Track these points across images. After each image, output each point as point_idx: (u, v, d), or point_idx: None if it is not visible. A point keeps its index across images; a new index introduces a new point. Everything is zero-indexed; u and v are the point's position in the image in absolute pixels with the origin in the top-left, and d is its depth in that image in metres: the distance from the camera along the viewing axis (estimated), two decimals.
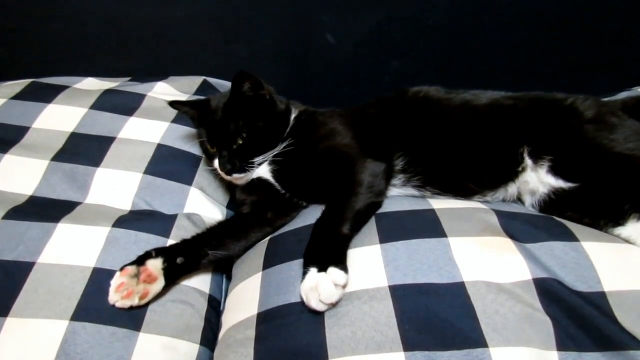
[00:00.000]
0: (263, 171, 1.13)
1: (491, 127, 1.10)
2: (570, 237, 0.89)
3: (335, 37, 1.64)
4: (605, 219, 0.95)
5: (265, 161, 1.11)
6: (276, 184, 1.12)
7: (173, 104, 1.21)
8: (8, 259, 0.91)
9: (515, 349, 0.72)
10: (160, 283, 0.91)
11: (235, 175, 1.10)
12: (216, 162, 1.12)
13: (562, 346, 0.73)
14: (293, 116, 1.18)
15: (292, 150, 1.09)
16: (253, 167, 1.10)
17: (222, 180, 1.21)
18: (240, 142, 1.09)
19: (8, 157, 1.16)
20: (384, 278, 0.83)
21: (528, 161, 1.05)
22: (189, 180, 1.20)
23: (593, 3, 1.55)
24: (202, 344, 0.92)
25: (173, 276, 0.94)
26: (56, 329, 0.83)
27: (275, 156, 1.11)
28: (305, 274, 0.83)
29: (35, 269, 0.91)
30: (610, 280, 0.81)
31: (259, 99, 1.11)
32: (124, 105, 1.35)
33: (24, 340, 0.82)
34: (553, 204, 1.02)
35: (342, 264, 0.83)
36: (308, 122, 1.18)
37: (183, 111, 1.23)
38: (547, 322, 0.76)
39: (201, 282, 1.01)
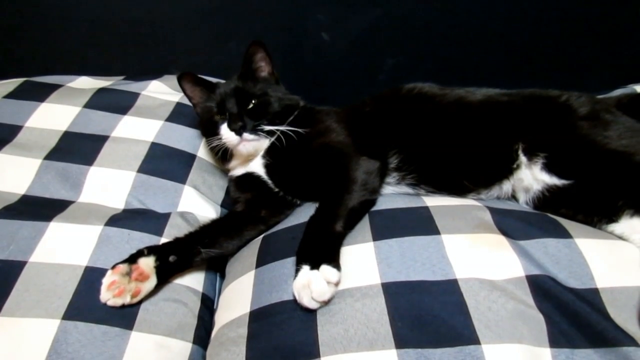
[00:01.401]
0: (256, 166, 1.13)
1: (485, 124, 1.09)
2: (564, 234, 0.89)
3: (330, 35, 1.64)
4: (599, 216, 0.95)
5: (273, 134, 1.11)
6: (269, 181, 1.12)
7: (181, 76, 1.23)
8: None
9: (508, 345, 0.72)
10: (152, 281, 0.90)
11: (245, 135, 1.09)
12: (223, 128, 1.11)
13: (554, 343, 0.73)
14: (299, 108, 1.20)
15: (287, 145, 1.09)
16: (262, 132, 1.10)
17: (223, 154, 1.15)
18: (252, 105, 1.13)
19: (0, 156, 1.15)
20: (377, 275, 0.83)
21: (522, 158, 1.04)
22: (182, 179, 1.20)
23: (588, 0, 1.55)
24: (194, 342, 0.92)
25: (165, 274, 0.93)
26: (47, 327, 0.83)
27: (271, 148, 1.11)
28: (297, 271, 0.83)
29: (27, 268, 0.90)
30: (603, 276, 0.81)
31: (269, 75, 1.20)
32: (117, 103, 1.35)
33: (15, 339, 0.81)
34: (547, 200, 1.02)
35: (334, 262, 0.83)
36: (307, 117, 1.18)
37: (187, 88, 1.24)
38: (540, 318, 0.75)
39: (194, 280, 1.00)
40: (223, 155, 1.17)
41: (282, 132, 1.09)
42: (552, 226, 0.91)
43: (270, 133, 1.11)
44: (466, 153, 1.08)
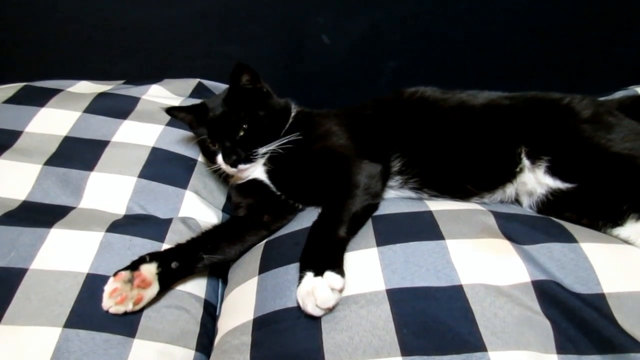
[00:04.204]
0: (258, 172, 1.12)
1: (488, 128, 1.09)
2: (569, 238, 0.88)
3: (331, 37, 1.63)
4: (604, 220, 0.95)
5: (269, 152, 1.10)
6: (271, 186, 1.11)
7: (169, 111, 1.20)
8: (0, 265, 0.90)
9: (514, 352, 0.71)
10: (155, 288, 0.90)
11: (241, 166, 1.09)
12: (219, 158, 1.11)
13: (561, 349, 0.73)
14: (292, 114, 1.19)
15: (287, 151, 1.08)
16: (257, 157, 1.09)
17: (226, 177, 1.19)
18: (243, 132, 1.09)
19: (0, 162, 1.14)
20: (381, 281, 0.82)
21: (525, 162, 1.04)
22: (183, 184, 1.19)
23: (589, 1, 1.55)
24: (197, 349, 0.91)
25: (167, 281, 0.93)
26: (49, 336, 0.82)
27: (271, 155, 1.10)
28: (301, 278, 0.82)
29: (28, 275, 0.89)
30: (610, 281, 0.80)
31: (257, 91, 1.13)
32: (117, 108, 1.34)
33: (16, 348, 0.80)
34: (551, 204, 1.02)
35: (338, 268, 0.83)
36: (304, 122, 1.17)
37: (179, 118, 1.21)
38: (546, 324, 0.75)
39: (196, 287, 1.00)
40: (225, 178, 1.20)
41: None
42: (557, 230, 0.91)
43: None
44: (469, 157, 1.08)
